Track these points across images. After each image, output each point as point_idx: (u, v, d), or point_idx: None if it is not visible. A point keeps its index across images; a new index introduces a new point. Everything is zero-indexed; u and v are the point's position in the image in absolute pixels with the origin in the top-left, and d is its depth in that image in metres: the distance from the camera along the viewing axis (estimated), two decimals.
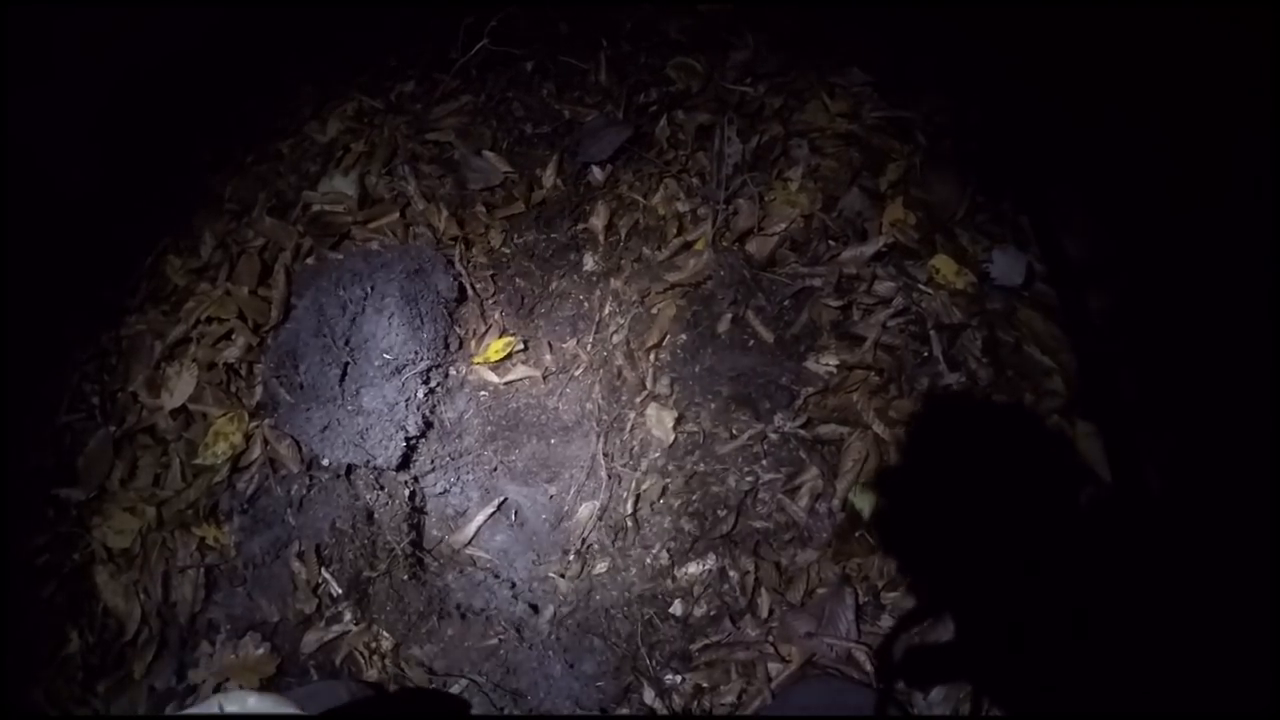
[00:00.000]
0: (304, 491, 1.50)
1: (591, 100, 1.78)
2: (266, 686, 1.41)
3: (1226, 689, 1.10)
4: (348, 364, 1.48)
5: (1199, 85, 1.22)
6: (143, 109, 1.82)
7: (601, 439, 1.47)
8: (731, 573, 1.37)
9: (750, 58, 1.77)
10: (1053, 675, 1.21)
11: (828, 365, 1.45)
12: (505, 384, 1.55)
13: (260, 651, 1.43)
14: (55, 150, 1.77)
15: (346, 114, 1.84)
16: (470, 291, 1.60)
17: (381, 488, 1.49)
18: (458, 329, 1.59)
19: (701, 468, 1.43)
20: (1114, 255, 1.50)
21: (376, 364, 1.48)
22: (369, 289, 1.52)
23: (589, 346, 1.55)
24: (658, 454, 1.46)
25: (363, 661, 1.41)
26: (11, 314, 1.69)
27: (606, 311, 1.56)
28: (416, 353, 1.50)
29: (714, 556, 1.39)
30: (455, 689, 1.38)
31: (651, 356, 1.51)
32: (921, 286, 1.49)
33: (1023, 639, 1.23)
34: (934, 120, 1.66)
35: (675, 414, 1.45)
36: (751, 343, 1.49)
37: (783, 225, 1.55)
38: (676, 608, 1.37)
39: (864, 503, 1.37)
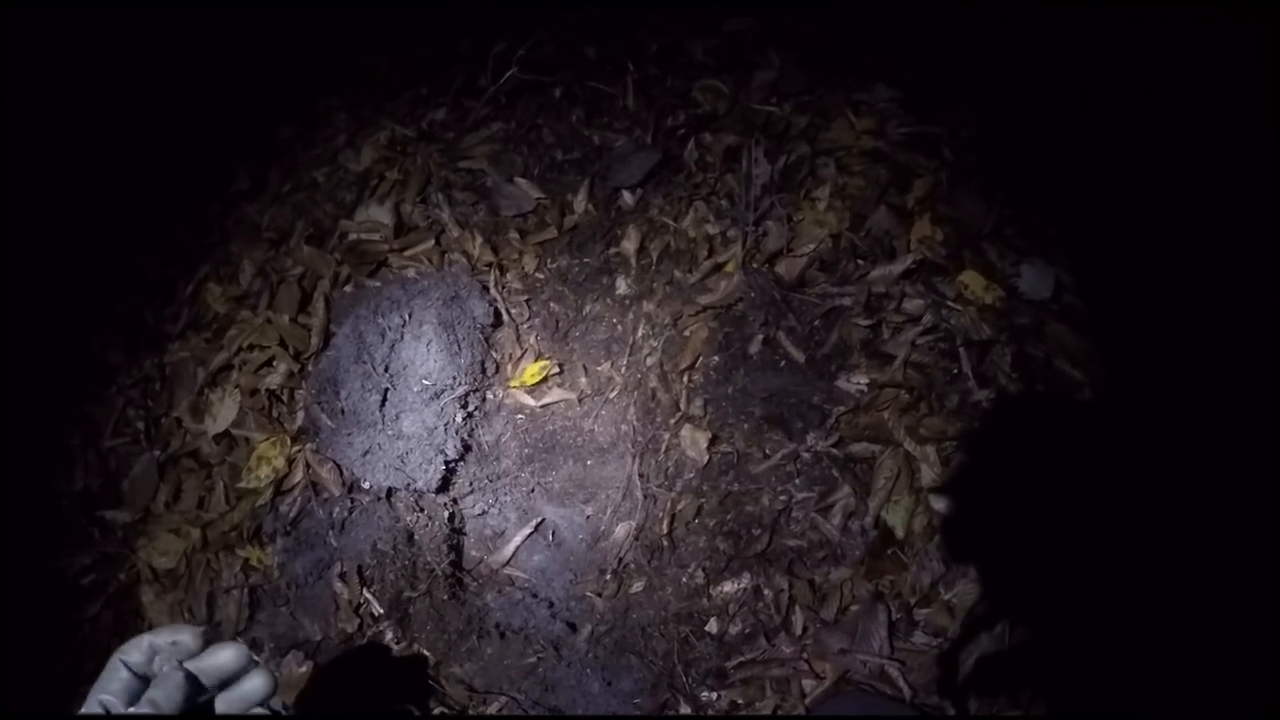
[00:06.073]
0: (345, 514, 1.53)
1: (620, 125, 1.80)
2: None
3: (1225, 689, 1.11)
4: (388, 390, 1.51)
5: (1221, 91, 1.23)
6: (178, 138, 1.88)
7: (637, 460, 1.49)
8: (766, 591, 1.39)
9: (776, 77, 1.79)
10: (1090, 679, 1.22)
11: (859, 384, 1.46)
12: (541, 407, 1.57)
13: (303, 670, 1.46)
14: (86, 171, 1.82)
15: (380, 142, 1.88)
16: (505, 316, 1.63)
17: (421, 510, 1.52)
18: (494, 353, 1.61)
19: (736, 487, 1.45)
20: (1141, 267, 1.50)
21: (416, 389, 1.51)
22: (407, 316, 1.55)
23: (623, 369, 1.57)
24: (692, 474, 1.47)
25: None
26: (57, 343, 1.75)
27: (640, 334, 1.58)
28: (454, 378, 1.53)
29: (749, 575, 1.40)
30: (495, 706, 1.40)
31: (685, 378, 1.53)
32: (950, 303, 1.49)
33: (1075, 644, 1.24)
34: (960, 135, 1.67)
35: (709, 435, 1.47)
36: (783, 363, 1.51)
37: (811, 245, 1.57)
38: (712, 626, 1.39)
39: (896, 520, 1.38)
